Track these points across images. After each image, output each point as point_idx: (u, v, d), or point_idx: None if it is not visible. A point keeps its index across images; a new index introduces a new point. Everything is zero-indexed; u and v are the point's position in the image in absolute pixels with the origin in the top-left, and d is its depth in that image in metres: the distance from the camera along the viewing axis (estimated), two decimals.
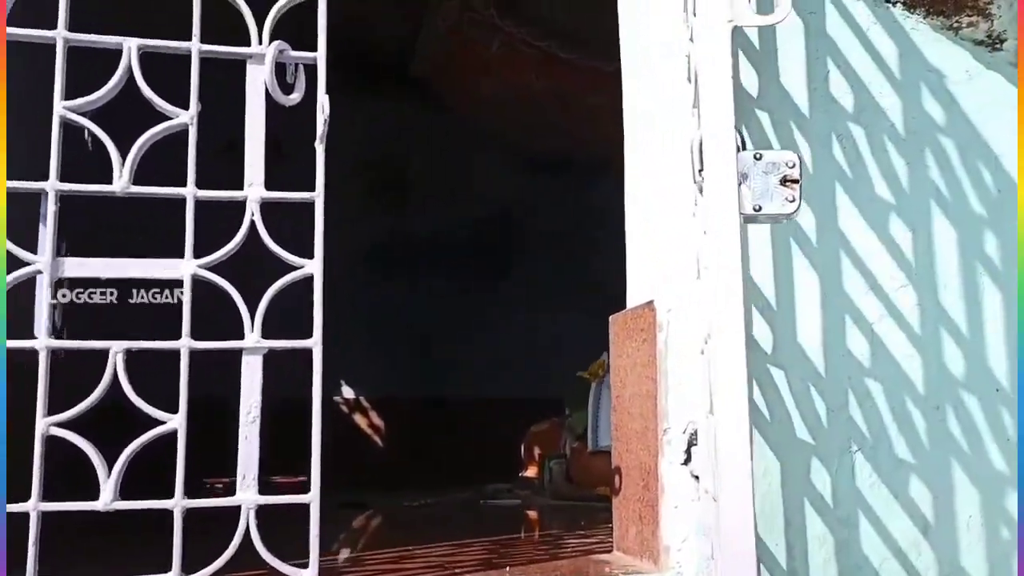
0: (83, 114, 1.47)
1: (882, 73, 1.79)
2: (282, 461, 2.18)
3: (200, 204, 1.48)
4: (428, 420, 4.91)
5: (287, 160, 1.73)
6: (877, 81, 1.78)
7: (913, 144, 1.78)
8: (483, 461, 4.13)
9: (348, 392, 5.27)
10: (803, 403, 1.66)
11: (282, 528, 1.44)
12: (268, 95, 1.53)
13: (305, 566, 1.43)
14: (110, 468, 1.39)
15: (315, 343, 1.48)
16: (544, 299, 5.07)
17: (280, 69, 1.56)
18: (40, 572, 1.34)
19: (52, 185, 1.44)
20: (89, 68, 1.55)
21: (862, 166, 1.75)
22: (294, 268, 1.50)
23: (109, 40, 1.50)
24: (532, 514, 3.13)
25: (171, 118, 1.50)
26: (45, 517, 1.37)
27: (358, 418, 5.18)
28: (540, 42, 4.08)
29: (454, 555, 1.92)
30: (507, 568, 1.69)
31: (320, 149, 1.53)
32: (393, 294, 5.25)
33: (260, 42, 1.55)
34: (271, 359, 1.48)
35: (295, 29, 1.65)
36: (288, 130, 1.63)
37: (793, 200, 1.18)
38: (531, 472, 3.99)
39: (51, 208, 1.44)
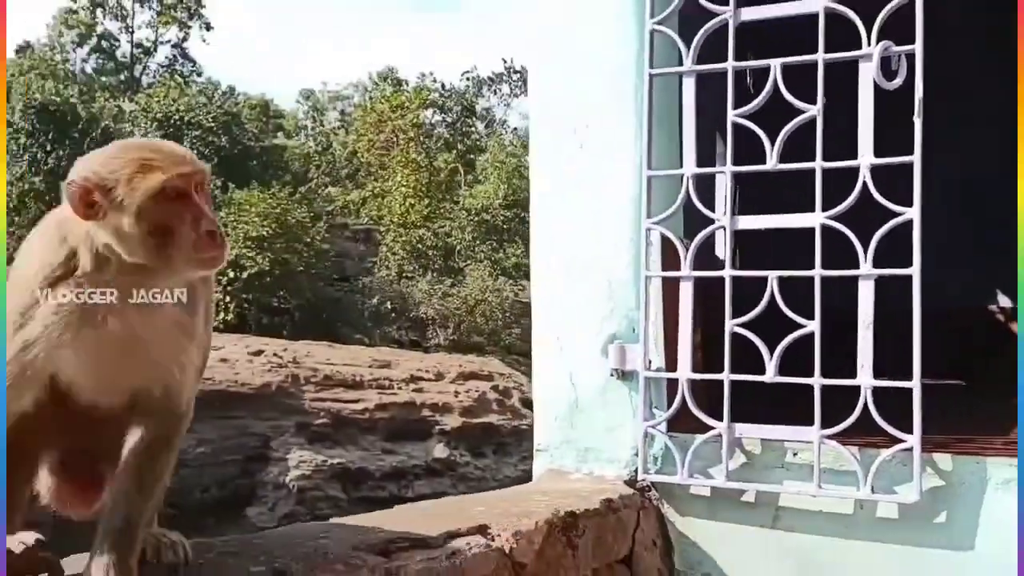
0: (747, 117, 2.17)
1: None
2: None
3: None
4: None
5: None
6: None
7: None
8: None
9: (1004, 301, 5.31)
10: None
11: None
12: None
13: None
14: (771, 353, 2.11)
15: (914, 272, 1.98)
16: None
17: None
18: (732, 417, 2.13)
19: (728, 168, 2.18)
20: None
21: None
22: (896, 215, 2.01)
23: (760, 63, 2.16)
24: None
25: (801, 112, 2.11)
26: (733, 384, 2.14)
27: (1013, 326, 5.21)
28: None
29: None
30: None
31: (918, 123, 1.99)
32: None
33: (868, 44, 2.05)
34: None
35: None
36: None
37: None
38: None
39: (728, 183, 2.18)
